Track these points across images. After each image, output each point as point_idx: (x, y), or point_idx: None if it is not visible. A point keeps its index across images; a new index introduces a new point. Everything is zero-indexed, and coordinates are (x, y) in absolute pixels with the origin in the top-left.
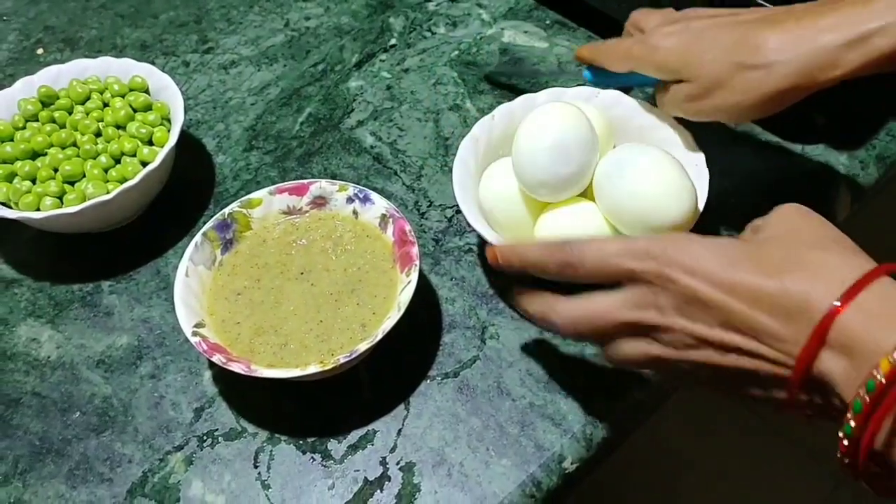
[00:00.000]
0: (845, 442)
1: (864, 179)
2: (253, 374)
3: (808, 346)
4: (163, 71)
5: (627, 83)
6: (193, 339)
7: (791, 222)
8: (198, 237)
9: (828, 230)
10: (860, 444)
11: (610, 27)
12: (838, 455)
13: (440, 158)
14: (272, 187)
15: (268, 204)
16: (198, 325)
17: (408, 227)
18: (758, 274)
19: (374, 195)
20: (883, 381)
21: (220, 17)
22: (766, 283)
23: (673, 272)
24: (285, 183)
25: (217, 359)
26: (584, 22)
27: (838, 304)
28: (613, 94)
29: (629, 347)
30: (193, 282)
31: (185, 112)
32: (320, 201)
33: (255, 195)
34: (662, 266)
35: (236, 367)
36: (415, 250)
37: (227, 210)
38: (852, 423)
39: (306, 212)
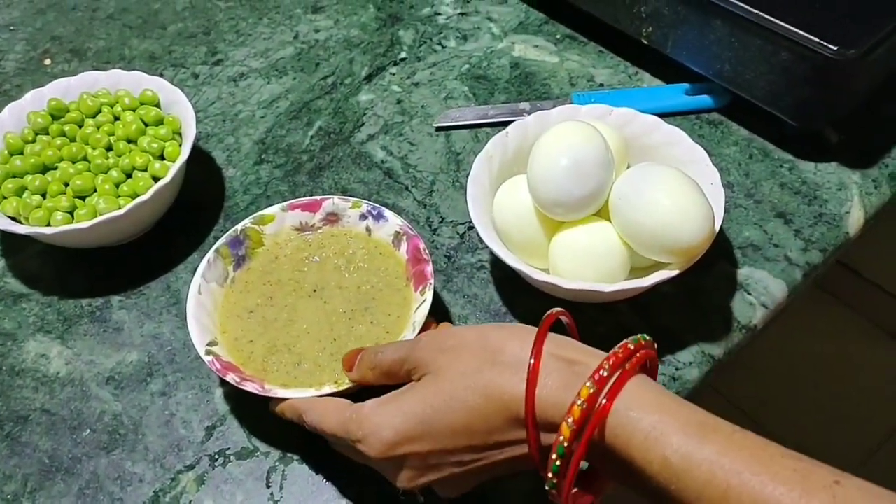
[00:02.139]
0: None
1: (877, 198)
2: (267, 395)
3: (529, 434)
4: (172, 83)
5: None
6: (207, 359)
7: (441, 348)
8: (210, 254)
9: (468, 336)
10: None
11: (622, 41)
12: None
13: (451, 174)
14: (284, 203)
15: (280, 220)
16: (210, 344)
17: (422, 245)
18: (460, 414)
19: (387, 212)
20: (566, 442)
21: (228, 29)
22: (474, 419)
23: (401, 449)
24: (298, 199)
25: (231, 378)
26: (595, 36)
27: (525, 386)
28: (628, 112)
29: (403, 479)
30: (206, 299)
31: (196, 125)
32: (333, 218)
33: (267, 211)
34: (395, 447)
35: (250, 387)
36: (429, 269)
37: (239, 227)
38: (554, 481)
39: (319, 228)
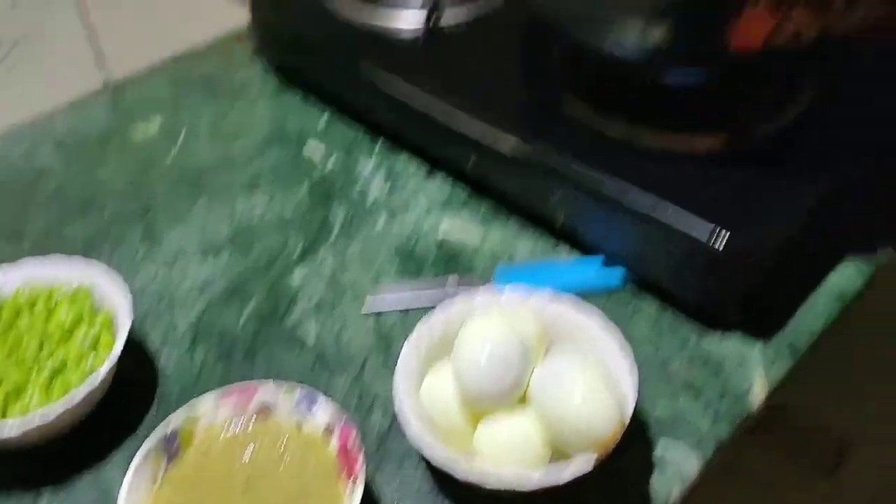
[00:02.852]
0: None
1: (778, 370)
2: None
3: None
4: (108, 265)
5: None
6: None
7: None
8: (140, 455)
9: None
10: None
11: (541, 217)
12: None
13: (382, 354)
14: (217, 393)
15: (212, 413)
16: None
17: (353, 435)
18: None
19: (320, 398)
20: None
21: (167, 209)
22: None
23: None
24: (230, 387)
25: None
26: (516, 211)
27: None
28: (545, 296)
29: None
30: (136, 500)
31: (131, 310)
32: (265, 408)
33: (199, 403)
34: None
35: None
36: (360, 462)
37: (171, 423)
38: None
39: (251, 419)
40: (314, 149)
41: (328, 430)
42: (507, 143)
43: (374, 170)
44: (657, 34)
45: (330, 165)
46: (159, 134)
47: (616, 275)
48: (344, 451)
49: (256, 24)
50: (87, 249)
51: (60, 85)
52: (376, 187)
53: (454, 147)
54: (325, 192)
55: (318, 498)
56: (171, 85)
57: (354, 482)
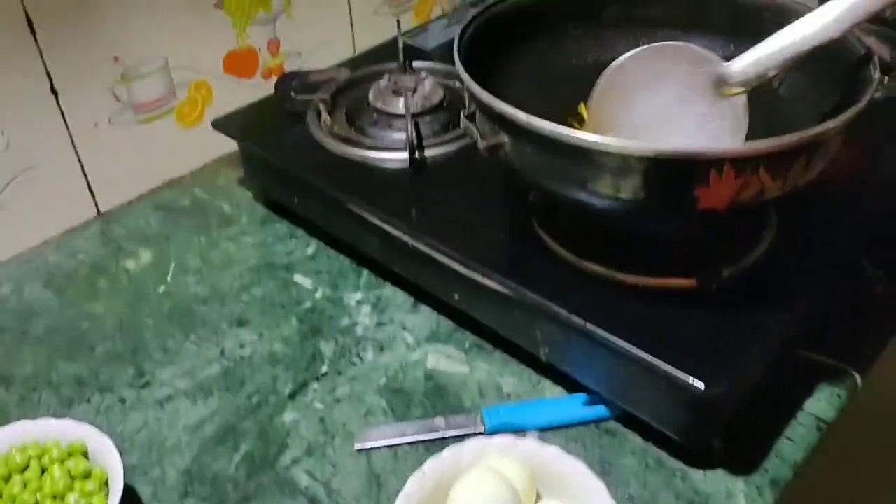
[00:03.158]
0: None
1: None
2: None
3: None
4: (98, 410)
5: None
6: None
7: None
8: None
9: None
10: None
11: (524, 351)
12: None
13: (374, 497)
14: None
15: None
16: None
17: None
18: None
19: None
20: None
21: (156, 347)
22: None
23: None
24: None
25: None
26: (500, 344)
27: None
28: (531, 445)
29: None
30: None
31: (122, 461)
32: None
33: None
34: None
35: None
36: None
37: None
38: None
39: None
40: (302, 281)
41: None
42: (489, 280)
43: (360, 302)
44: (629, 194)
45: (317, 297)
46: (149, 267)
47: (599, 411)
48: None
49: (244, 156)
50: (77, 395)
51: (51, 220)
52: (363, 320)
53: (439, 282)
54: (314, 326)
55: None
56: (159, 215)
57: None
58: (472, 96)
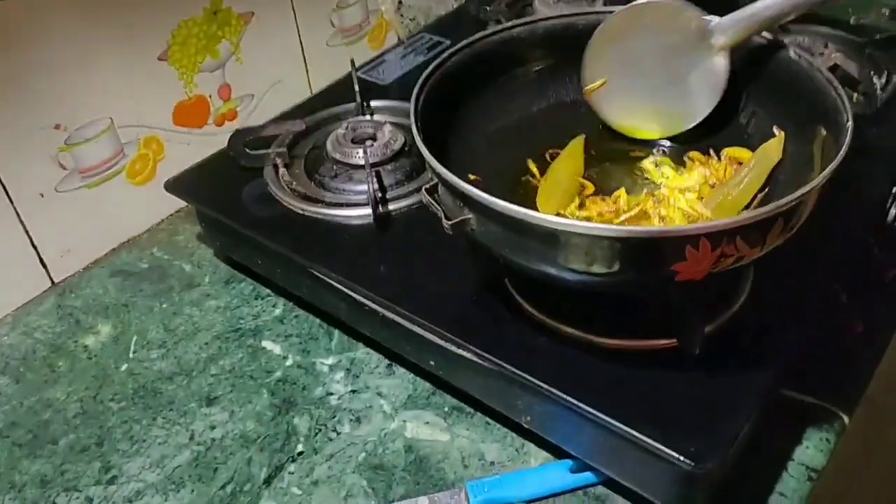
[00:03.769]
0: None
1: None
2: None
3: None
4: None
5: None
6: None
7: None
8: None
9: None
10: None
11: (500, 415)
12: None
13: None
14: None
15: None
16: None
17: None
18: None
19: None
20: None
21: (122, 436)
22: None
23: None
24: None
25: None
26: (480, 407)
27: None
28: None
29: None
30: None
31: None
32: None
33: None
34: None
35: None
36: None
37: None
38: None
39: None
40: (271, 347)
41: None
42: (465, 352)
43: (333, 367)
44: (603, 270)
45: (288, 364)
46: (110, 342)
47: (585, 478)
48: None
49: (201, 218)
50: (42, 498)
51: (3, 298)
52: (337, 388)
53: (412, 348)
54: (287, 399)
55: None
56: (117, 281)
57: None
58: (434, 172)
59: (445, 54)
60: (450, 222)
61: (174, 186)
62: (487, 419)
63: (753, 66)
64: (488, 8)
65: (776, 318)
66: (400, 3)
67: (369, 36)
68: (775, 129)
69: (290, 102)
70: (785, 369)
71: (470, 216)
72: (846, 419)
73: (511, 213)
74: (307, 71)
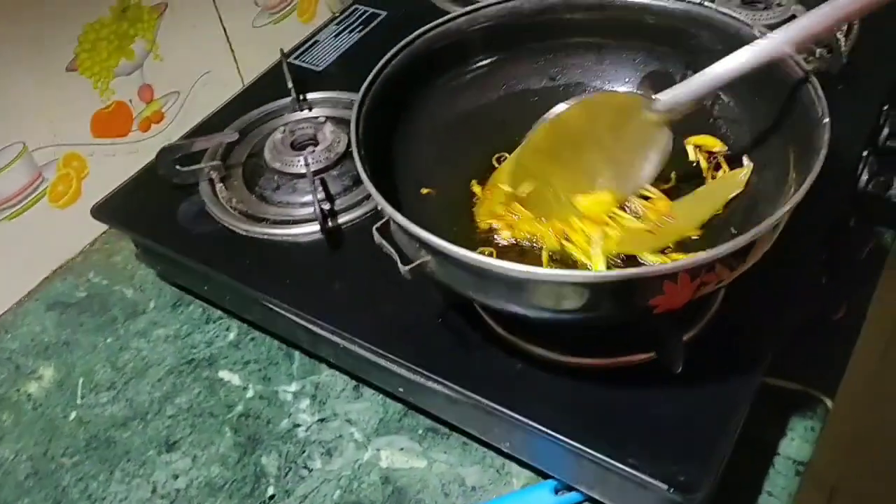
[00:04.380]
0: None
1: None
2: None
3: None
4: None
5: None
6: None
7: None
8: None
9: None
10: None
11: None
12: None
13: None
14: None
15: None
16: None
17: None
18: None
19: None
20: None
21: (80, 495)
22: None
23: None
24: None
25: None
26: (455, 427)
27: None
28: None
29: None
30: None
31: None
32: None
33: None
34: None
35: None
36: None
37: None
38: None
39: None
40: (229, 378)
41: None
42: (434, 383)
43: (297, 395)
44: (574, 307)
45: (249, 396)
46: (54, 388)
47: (571, 498)
48: None
49: (136, 244)
50: None
51: None
52: (304, 418)
53: (379, 374)
54: (251, 436)
55: None
56: (55, 316)
57: None
58: (387, 216)
59: (382, 62)
60: (407, 267)
61: (100, 212)
62: (464, 439)
63: (715, 46)
64: None
65: (755, 313)
66: None
67: (298, 9)
68: (745, 160)
69: (221, 94)
70: (767, 368)
71: (429, 258)
72: (829, 403)
73: (474, 262)
74: (235, 58)
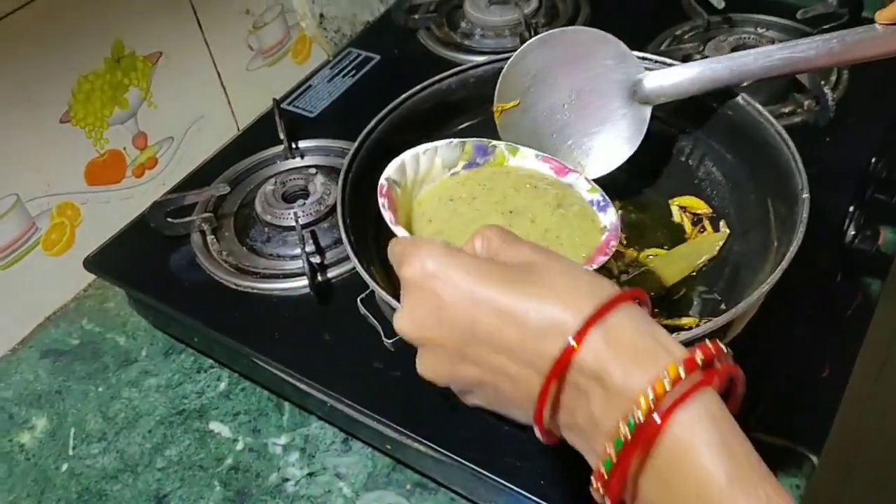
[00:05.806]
0: (605, 476)
1: None
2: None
3: (556, 367)
4: None
5: None
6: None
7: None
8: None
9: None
10: (616, 479)
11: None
12: (593, 486)
13: None
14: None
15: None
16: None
17: None
18: (507, 293)
19: None
20: (642, 419)
21: None
22: (516, 303)
23: (430, 282)
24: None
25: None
26: (443, 484)
27: (583, 326)
28: None
29: (421, 362)
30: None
31: None
32: None
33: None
34: (425, 277)
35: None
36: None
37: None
38: (613, 459)
39: None
40: (219, 429)
41: None
42: (425, 447)
43: (286, 448)
44: None
45: (239, 448)
46: (47, 438)
47: None
48: None
49: (128, 296)
50: None
51: None
52: (293, 471)
53: (368, 432)
54: (240, 490)
55: None
56: (48, 364)
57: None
58: (374, 291)
59: (372, 123)
60: (390, 340)
61: (92, 265)
62: (452, 495)
63: (700, 109)
64: (416, 17)
65: (741, 369)
66: (322, 16)
67: (293, 51)
68: (722, 225)
69: (214, 139)
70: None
71: None
72: (815, 460)
73: None
74: (229, 102)
